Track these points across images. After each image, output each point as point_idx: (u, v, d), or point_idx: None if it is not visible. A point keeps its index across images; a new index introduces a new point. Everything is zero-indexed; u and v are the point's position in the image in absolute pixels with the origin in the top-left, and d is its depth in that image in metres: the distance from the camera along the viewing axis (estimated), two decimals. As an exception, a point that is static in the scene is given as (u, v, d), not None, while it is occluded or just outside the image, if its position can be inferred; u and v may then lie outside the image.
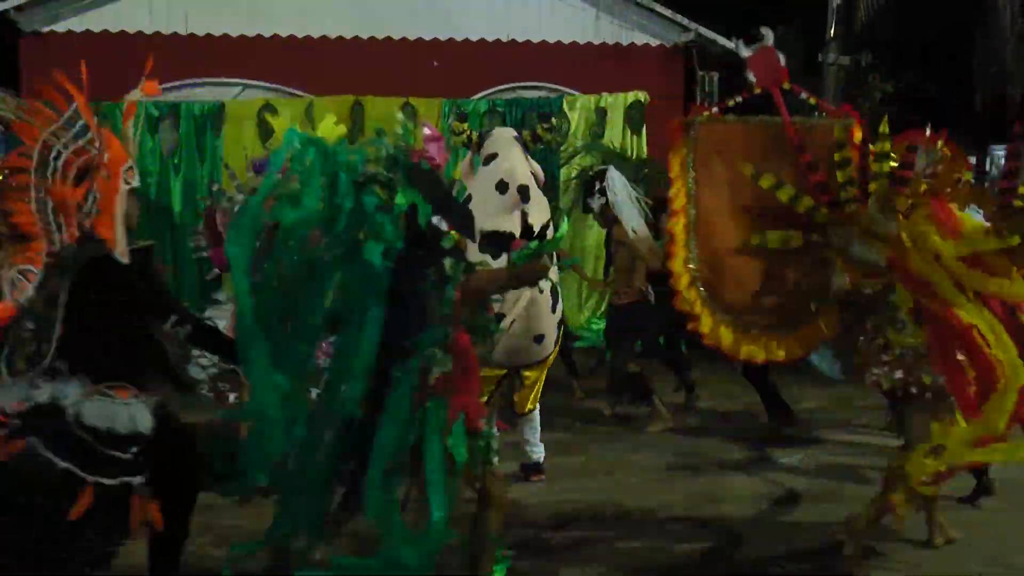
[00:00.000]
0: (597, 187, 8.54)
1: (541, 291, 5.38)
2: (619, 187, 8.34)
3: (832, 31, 15.91)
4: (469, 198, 5.11)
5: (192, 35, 14.14)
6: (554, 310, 5.52)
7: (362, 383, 4.19)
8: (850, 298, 5.58)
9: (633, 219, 8.12)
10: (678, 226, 5.91)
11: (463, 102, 13.83)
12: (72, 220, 4.38)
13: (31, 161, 4.34)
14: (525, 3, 15.23)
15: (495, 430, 5.53)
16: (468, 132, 6.02)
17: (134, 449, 4.35)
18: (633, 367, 8.92)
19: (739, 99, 6.09)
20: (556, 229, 5.55)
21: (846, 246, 5.53)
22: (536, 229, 5.33)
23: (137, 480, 4.37)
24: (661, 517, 5.98)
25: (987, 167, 15.86)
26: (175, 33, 14.15)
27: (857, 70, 17.01)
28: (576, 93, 14.67)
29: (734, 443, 8.37)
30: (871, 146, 5.56)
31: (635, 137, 14.32)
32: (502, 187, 5.38)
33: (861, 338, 5.60)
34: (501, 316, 5.23)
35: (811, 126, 5.95)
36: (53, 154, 4.40)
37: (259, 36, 14.24)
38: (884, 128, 5.43)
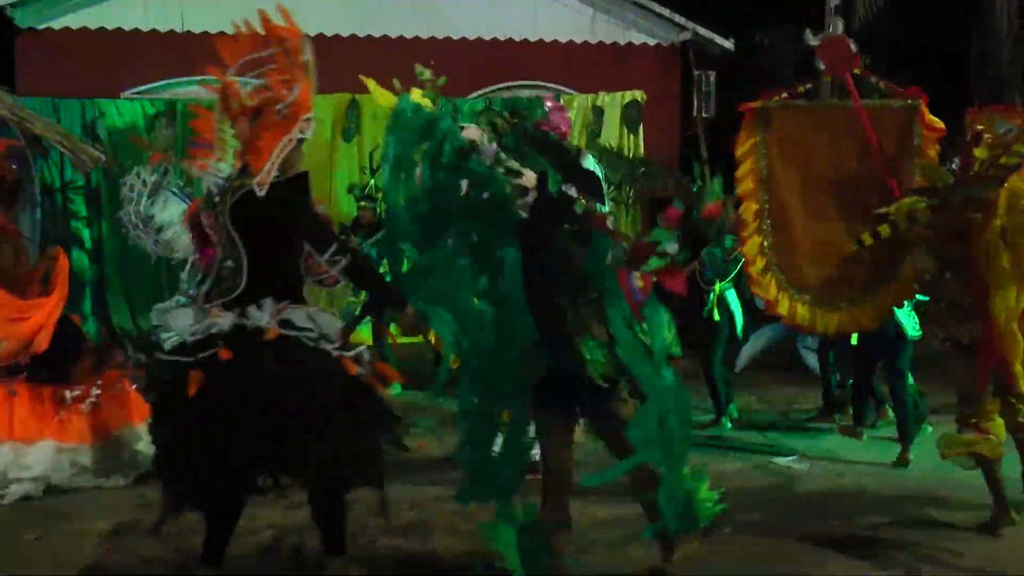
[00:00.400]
0: None
1: None
2: None
3: (830, 32, 15.91)
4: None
5: (188, 32, 14.11)
6: None
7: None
8: (931, 266, 5.84)
9: None
10: (748, 212, 6.13)
11: (459, 101, 13.81)
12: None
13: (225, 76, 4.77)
14: (522, 2, 15.23)
15: None
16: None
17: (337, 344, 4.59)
18: None
19: (808, 86, 6.23)
20: None
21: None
22: None
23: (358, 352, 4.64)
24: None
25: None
26: (171, 31, 14.13)
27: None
28: (573, 92, 14.67)
29: (729, 443, 8.36)
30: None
31: (632, 136, 14.33)
32: None
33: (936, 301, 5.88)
34: None
35: (880, 108, 6.11)
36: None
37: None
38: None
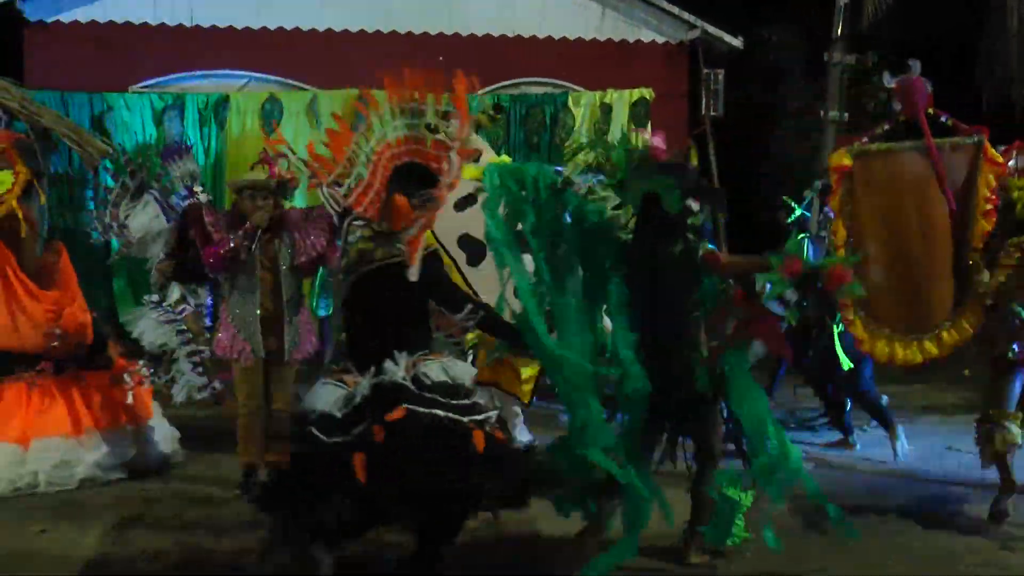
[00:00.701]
0: None
1: None
2: None
3: (838, 30, 15.87)
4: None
5: (197, 27, 14.13)
6: None
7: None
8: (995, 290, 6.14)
9: None
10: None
11: (468, 97, 13.79)
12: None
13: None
14: (531, -1, 15.24)
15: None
16: None
17: (470, 398, 4.66)
18: None
19: (886, 127, 6.38)
20: None
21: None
22: None
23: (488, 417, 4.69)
24: (658, 516, 5.96)
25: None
26: (180, 25, 14.14)
27: (862, 70, 16.95)
28: (581, 89, 14.67)
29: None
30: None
31: (639, 134, 14.30)
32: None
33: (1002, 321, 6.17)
34: None
35: (950, 146, 6.30)
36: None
37: (264, 28, 14.24)
38: None
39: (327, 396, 4.61)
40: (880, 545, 5.73)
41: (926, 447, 8.00)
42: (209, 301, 9.50)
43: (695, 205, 5.22)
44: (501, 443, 4.65)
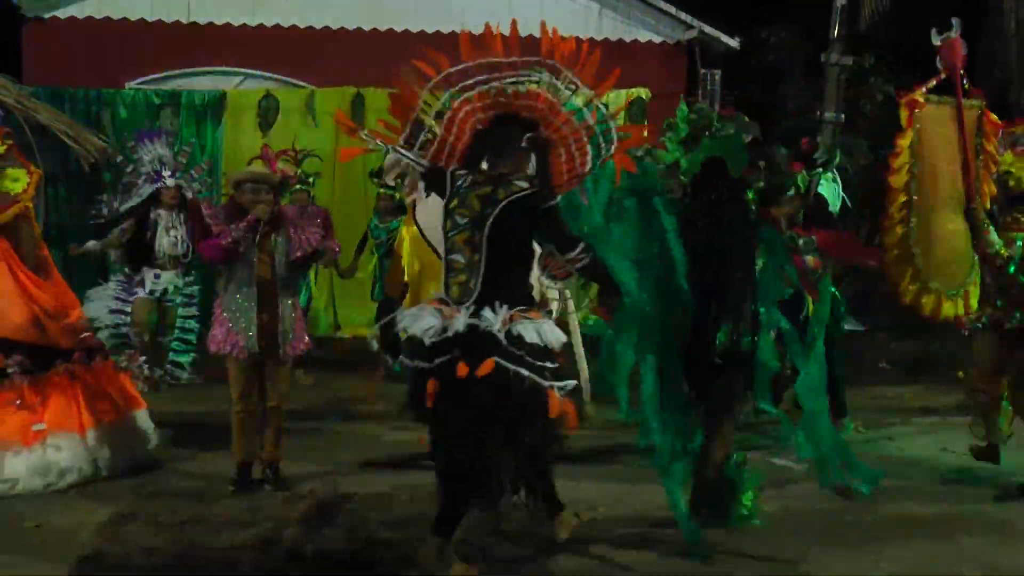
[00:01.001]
0: None
1: None
2: None
3: (836, 31, 15.87)
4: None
5: (194, 23, 14.12)
6: None
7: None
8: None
9: None
10: (895, 202, 6.35)
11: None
12: None
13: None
14: (529, -3, 15.22)
15: None
16: None
17: (553, 361, 4.78)
18: None
19: (934, 83, 6.46)
20: None
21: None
22: None
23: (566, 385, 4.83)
24: (658, 514, 5.97)
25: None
26: (177, 21, 14.13)
27: (860, 71, 16.95)
28: (578, 89, 14.65)
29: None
30: None
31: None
32: None
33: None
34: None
35: (967, 107, 6.48)
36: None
37: (261, 26, 14.23)
38: None
39: (423, 322, 4.72)
40: (874, 543, 5.74)
41: (921, 448, 8.00)
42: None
43: (762, 164, 5.39)
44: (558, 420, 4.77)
